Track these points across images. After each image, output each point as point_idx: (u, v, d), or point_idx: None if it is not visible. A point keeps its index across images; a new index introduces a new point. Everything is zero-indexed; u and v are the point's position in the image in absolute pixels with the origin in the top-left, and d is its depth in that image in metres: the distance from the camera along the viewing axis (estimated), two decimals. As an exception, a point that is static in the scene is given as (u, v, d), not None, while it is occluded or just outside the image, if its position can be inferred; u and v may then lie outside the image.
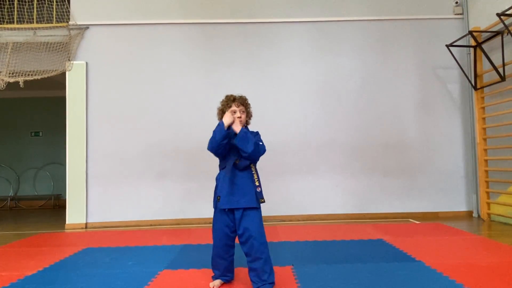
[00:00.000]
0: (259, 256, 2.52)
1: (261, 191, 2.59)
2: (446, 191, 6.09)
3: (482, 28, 5.71)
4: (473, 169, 6.00)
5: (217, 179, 2.68)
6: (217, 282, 2.74)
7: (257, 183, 2.59)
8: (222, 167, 2.67)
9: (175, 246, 4.13)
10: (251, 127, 2.82)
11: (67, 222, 5.91)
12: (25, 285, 2.90)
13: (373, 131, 6.14)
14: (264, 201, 2.59)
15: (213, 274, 2.83)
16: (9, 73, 5.90)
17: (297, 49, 6.23)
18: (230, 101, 2.66)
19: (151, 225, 5.89)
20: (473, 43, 5.82)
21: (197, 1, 6.25)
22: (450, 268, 3.02)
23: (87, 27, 6.13)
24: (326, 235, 4.57)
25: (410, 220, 5.78)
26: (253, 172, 2.61)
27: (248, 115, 2.75)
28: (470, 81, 5.93)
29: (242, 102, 2.69)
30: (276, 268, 3.10)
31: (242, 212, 2.55)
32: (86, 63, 6.09)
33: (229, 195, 2.55)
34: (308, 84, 6.18)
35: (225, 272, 2.75)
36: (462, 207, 6.09)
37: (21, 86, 5.86)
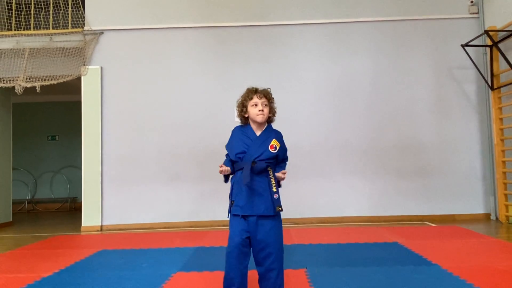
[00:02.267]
0: (273, 268, 2.30)
1: (278, 198, 2.33)
2: (463, 193, 5.99)
3: (498, 27, 5.60)
4: (491, 170, 5.88)
5: (233, 182, 2.40)
6: None
7: (274, 189, 2.33)
8: (238, 168, 2.37)
9: (188, 249, 4.14)
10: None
11: (82, 225, 5.98)
12: (41, 286, 2.94)
13: (387, 133, 6.07)
14: (281, 210, 2.34)
15: None
16: (26, 79, 6.02)
17: (309, 51, 6.21)
18: (251, 92, 2.40)
19: (165, 227, 5.92)
20: (489, 42, 5.72)
21: (209, 5, 6.28)
22: (467, 272, 2.96)
23: (101, 32, 6.22)
24: (340, 238, 4.53)
25: (426, 222, 5.69)
26: (271, 176, 2.35)
27: (272, 110, 2.43)
28: (486, 81, 5.83)
29: (265, 94, 2.40)
30: (289, 271, 3.09)
31: (257, 220, 2.29)
32: (101, 67, 6.18)
33: (244, 200, 2.30)
34: (321, 85, 6.15)
35: None
36: (480, 210, 5.97)
37: (37, 91, 5.97)
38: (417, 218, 5.91)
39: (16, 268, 3.55)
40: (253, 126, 2.42)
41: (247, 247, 2.31)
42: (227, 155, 2.45)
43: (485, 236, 4.50)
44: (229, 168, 2.34)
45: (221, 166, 2.34)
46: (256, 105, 2.36)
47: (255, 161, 2.31)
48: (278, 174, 2.39)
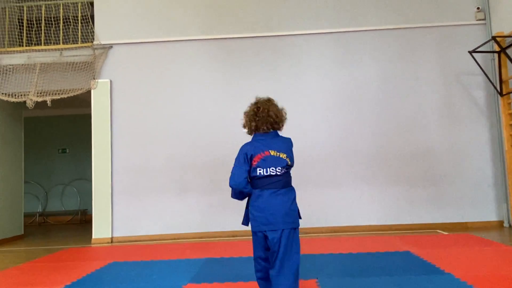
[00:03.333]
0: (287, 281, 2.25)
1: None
2: (474, 200, 5.91)
3: (505, 33, 5.58)
4: (502, 177, 5.81)
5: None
6: None
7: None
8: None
9: (198, 260, 4.13)
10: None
11: (93, 237, 6.01)
12: (53, 299, 2.95)
13: (396, 141, 6.04)
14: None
15: None
16: (37, 93, 6.12)
17: (315, 60, 6.23)
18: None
19: (174, 238, 5.93)
20: (496, 48, 5.69)
21: (216, 17, 6.36)
22: (481, 281, 2.91)
23: (110, 46, 6.32)
24: (351, 247, 4.49)
25: (438, 231, 5.62)
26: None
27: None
28: (495, 87, 5.79)
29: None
30: (300, 282, 3.05)
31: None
32: (110, 81, 6.26)
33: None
34: (328, 94, 6.15)
35: None
36: (492, 217, 5.88)
37: (48, 105, 6.06)
38: (429, 227, 5.84)
39: (29, 281, 3.57)
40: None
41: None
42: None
43: (499, 244, 4.43)
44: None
45: None
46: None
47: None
48: None
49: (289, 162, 2.34)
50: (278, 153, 2.32)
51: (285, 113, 2.50)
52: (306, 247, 4.62)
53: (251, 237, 2.36)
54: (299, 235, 2.34)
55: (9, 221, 6.66)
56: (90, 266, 4.06)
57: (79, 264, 4.26)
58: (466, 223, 5.85)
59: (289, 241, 2.23)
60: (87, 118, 6.41)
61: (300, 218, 2.35)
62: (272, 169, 2.28)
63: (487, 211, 5.90)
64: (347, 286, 2.94)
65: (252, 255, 2.38)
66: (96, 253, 5.16)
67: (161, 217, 6.04)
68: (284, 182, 2.31)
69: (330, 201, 5.96)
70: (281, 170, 2.29)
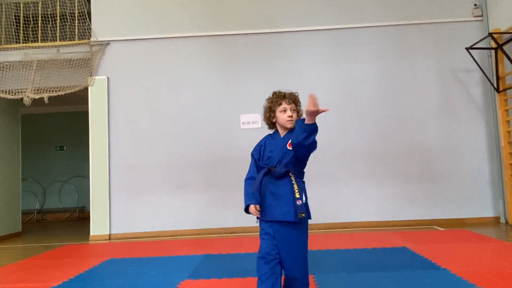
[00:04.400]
0: (297, 277, 2.23)
1: (302, 205, 2.20)
2: (471, 196, 5.94)
3: (502, 30, 5.60)
4: (499, 173, 5.84)
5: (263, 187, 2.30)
6: None
7: (297, 195, 2.22)
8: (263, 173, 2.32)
9: (196, 256, 4.15)
10: None
11: (91, 234, 6.02)
12: (51, 296, 2.97)
13: (394, 138, 6.06)
14: (303, 216, 2.19)
15: None
16: (34, 90, 6.10)
17: (313, 57, 6.23)
18: (280, 98, 2.34)
19: (172, 235, 5.94)
20: (493, 45, 5.71)
21: (213, 14, 6.35)
22: (477, 276, 2.93)
23: (107, 43, 6.30)
24: (348, 243, 4.52)
25: (435, 227, 5.65)
26: (293, 182, 2.26)
27: (299, 114, 2.38)
28: (492, 84, 5.81)
29: (294, 99, 2.36)
30: (297, 277, 3.08)
31: (279, 226, 2.22)
32: (107, 78, 6.25)
33: (267, 205, 2.26)
34: (326, 91, 6.16)
35: None
36: (489, 213, 5.92)
37: (45, 102, 6.05)
38: (426, 223, 5.87)
39: (27, 278, 3.58)
40: (280, 130, 2.39)
41: (275, 253, 2.22)
42: (254, 161, 2.40)
43: (495, 239, 4.46)
44: (257, 207, 2.26)
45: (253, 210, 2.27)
46: (285, 110, 2.33)
47: (274, 166, 2.28)
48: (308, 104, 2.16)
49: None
50: None
51: (265, 107, 2.42)
52: (303, 243, 4.65)
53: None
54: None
55: (7, 219, 6.67)
56: (88, 263, 4.07)
57: (77, 261, 4.27)
58: (462, 219, 5.88)
59: None
60: (85, 115, 6.41)
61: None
62: None
63: (483, 207, 5.94)
64: (344, 282, 2.96)
65: (256, 251, 2.35)
66: (94, 250, 5.17)
67: (159, 214, 6.05)
68: None
69: (328, 197, 5.98)
70: None
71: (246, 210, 2.32)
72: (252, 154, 2.41)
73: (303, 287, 2.25)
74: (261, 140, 2.42)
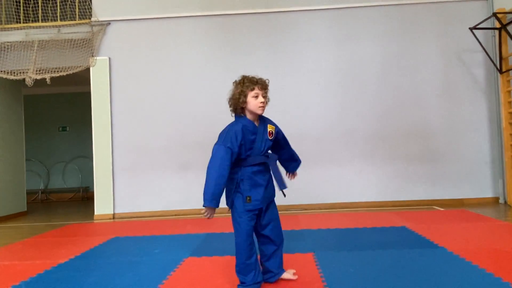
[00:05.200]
0: (282, 239, 2.51)
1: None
2: (471, 177, 5.99)
3: (507, 10, 5.53)
4: (499, 154, 5.87)
5: (240, 178, 2.36)
6: None
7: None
8: (248, 164, 2.36)
9: (198, 235, 4.23)
10: (267, 113, 2.57)
11: (95, 213, 6.12)
12: (58, 272, 3.05)
13: (395, 118, 6.07)
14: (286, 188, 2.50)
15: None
16: (36, 71, 6.10)
17: (316, 37, 6.19)
18: (252, 83, 2.32)
19: (175, 215, 6.03)
20: (497, 25, 5.65)
21: (215, -8, 6.28)
22: (474, 254, 2.99)
23: (108, 23, 6.27)
24: (348, 223, 4.58)
25: (434, 207, 5.72)
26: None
27: (267, 101, 2.41)
28: (495, 65, 5.78)
29: (265, 86, 2.37)
30: (297, 255, 3.17)
31: (269, 204, 2.46)
32: (109, 58, 6.23)
33: (262, 194, 2.37)
34: (328, 72, 6.14)
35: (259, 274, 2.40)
36: (488, 194, 5.97)
37: (48, 82, 6.06)
38: (426, 203, 5.94)
39: (33, 255, 3.67)
40: (250, 117, 2.38)
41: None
42: (225, 149, 2.28)
43: (493, 219, 4.52)
44: (213, 210, 2.38)
45: (206, 214, 2.39)
46: (257, 96, 2.32)
47: (263, 154, 2.39)
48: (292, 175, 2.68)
49: None
50: None
51: (234, 92, 2.42)
52: (304, 223, 4.73)
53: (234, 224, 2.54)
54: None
55: (12, 198, 6.77)
56: (93, 241, 4.16)
57: (82, 239, 4.36)
58: (462, 199, 5.94)
59: None
60: (87, 96, 6.42)
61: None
62: None
63: (483, 188, 5.99)
64: (343, 259, 3.03)
65: None
66: (98, 228, 5.26)
67: (162, 194, 6.13)
68: None
69: (328, 178, 6.03)
70: None
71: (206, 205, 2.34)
72: (228, 147, 2.26)
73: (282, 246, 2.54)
74: (231, 131, 2.32)
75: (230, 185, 2.38)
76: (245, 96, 2.32)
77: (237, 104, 2.35)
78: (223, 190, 2.31)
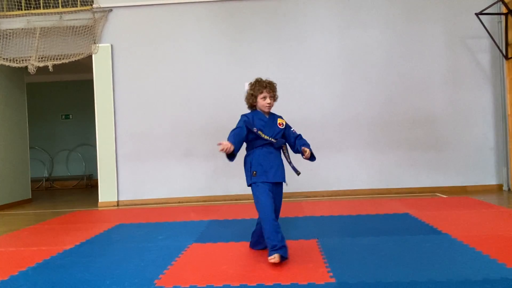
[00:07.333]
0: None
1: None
2: (475, 164, 5.98)
3: (514, -6, 5.45)
4: (504, 141, 5.85)
5: (251, 158, 2.82)
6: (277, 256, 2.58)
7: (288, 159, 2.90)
8: (258, 145, 2.82)
9: (203, 222, 4.26)
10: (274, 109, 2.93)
11: (99, 201, 6.15)
12: (64, 258, 3.08)
13: (399, 105, 6.04)
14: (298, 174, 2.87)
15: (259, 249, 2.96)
16: (39, 58, 6.08)
17: (320, 24, 6.13)
18: (262, 87, 2.82)
19: (179, 202, 6.06)
20: (504, 10, 5.58)
21: (218, -22, 6.20)
22: (477, 240, 3.00)
23: (110, 9, 6.21)
24: (352, 210, 4.60)
25: (438, 194, 5.72)
26: (284, 150, 2.91)
27: (275, 99, 2.92)
28: (501, 51, 5.72)
29: (273, 88, 2.86)
30: (301, 241, 3.20)
31: (275, 185, 2.80)
32: (111, 45, 6.20)
33: (275, 170, 2.78)
34: (332, 58, 6.10)
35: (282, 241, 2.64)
36: (492, 181, 5.97)
37: (50, 70, 6.04)
38: (429, 190, 5.94)
39: (39, 242, 3.70)
40: (261, 111, 2.89)
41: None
42: (235, 130, 2.79)
43: (497, 206, 4.52)
44: (231, 145, 2.65)
45: (220, 144, 2.65)
46: (265, 98, 2.83)
47: (276, 139, 2.82)
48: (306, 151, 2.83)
49: None
50: None
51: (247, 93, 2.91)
52: (307, 210, 4.74)
53: (254, 200, 2.77)
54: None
55: (17, 185, 6.81)
56: (98, 228, 4.19)
57: (87, 226, 4.39)
58: (466, 186, 5.94)
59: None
60: (90, 83, 6.41)
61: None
62: None
63: (487, 175, 5.98)
64: (346, 245, 3.05)
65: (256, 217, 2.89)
66: (103, 216, 5.30)
67: (166, 181, 6.15)
68: None
69: (332, 165, 6.03)
70: None
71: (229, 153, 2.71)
72: (244, 116, 2.86)
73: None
74: (243, 116, 2.86)
75: (246, 166, 2.86)
76: (255, 97, 2.85)
77: (250, 103, 2.90)
78: (239, 142, 2.75)
